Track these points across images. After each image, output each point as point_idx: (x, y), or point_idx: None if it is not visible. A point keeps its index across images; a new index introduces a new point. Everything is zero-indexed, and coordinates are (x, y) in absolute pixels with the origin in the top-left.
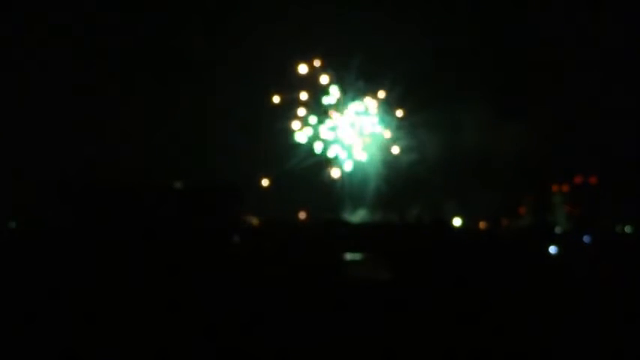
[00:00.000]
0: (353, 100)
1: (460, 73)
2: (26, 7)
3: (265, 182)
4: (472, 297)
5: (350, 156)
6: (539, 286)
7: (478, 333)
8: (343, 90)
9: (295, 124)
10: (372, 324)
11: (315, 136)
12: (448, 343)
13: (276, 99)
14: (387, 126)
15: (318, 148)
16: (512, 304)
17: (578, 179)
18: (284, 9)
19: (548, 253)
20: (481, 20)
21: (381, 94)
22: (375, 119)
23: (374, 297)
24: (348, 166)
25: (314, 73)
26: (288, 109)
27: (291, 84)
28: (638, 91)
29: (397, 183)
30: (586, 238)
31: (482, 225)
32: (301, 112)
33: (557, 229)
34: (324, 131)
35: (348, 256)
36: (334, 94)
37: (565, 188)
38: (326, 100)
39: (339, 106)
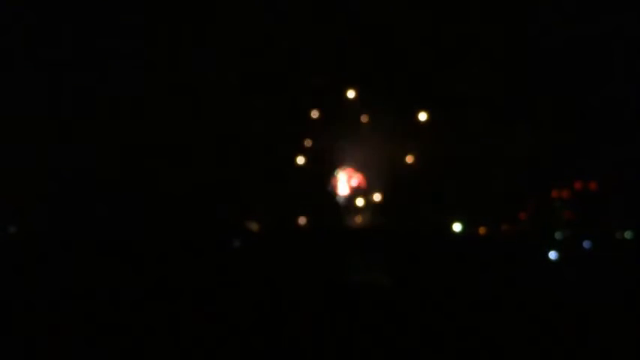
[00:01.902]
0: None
1: (459, 76)
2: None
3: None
4: (472, 302)
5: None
6: (539, 291)
7: (477, 338)
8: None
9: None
10: (373, 330)
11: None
12: (447, 347)
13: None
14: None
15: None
16: (513, 309)
17: (578, 185)
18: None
19: (548, 258)
20: (483, 20)
21: (423, 116)
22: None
23: (375, 302)
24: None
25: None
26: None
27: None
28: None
29: (399, 188)
30: (586, 244)
31: (482, 230)
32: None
33: (557, 235)
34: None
35: (349, 261)
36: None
37: (565, 194)
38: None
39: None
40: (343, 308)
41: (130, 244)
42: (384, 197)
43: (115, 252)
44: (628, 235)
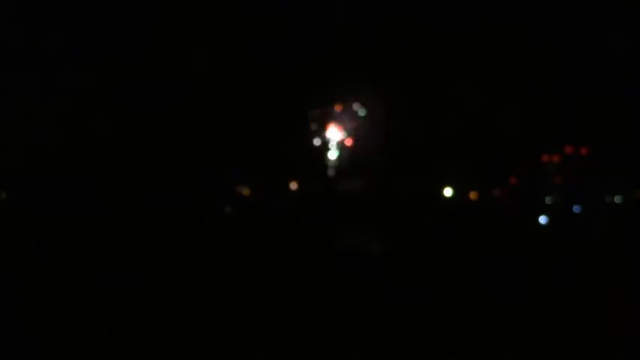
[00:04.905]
0: None
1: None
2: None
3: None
4: (462, 267)
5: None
6: (529, 256)
7: (467, 301)
8: None
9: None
10: (363, 295)
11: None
12: (437, 311)
13: None
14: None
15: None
16: (503, 274)
17: (569, 149)
18: None
19: (538, 222)
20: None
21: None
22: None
23: (364, 268)
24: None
25: None
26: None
27: None
28: (630, 61)
29: (388, 152)
30: (576, 208)
31: (473, 195)
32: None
33: (548, 200)
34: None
35: (339, 227)
36: None
37: (555, 158)
38: None
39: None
40: (333, 274)
41: (124, 213)
42: (375, 164)
43: (107, 222)
44: (618, 199)
